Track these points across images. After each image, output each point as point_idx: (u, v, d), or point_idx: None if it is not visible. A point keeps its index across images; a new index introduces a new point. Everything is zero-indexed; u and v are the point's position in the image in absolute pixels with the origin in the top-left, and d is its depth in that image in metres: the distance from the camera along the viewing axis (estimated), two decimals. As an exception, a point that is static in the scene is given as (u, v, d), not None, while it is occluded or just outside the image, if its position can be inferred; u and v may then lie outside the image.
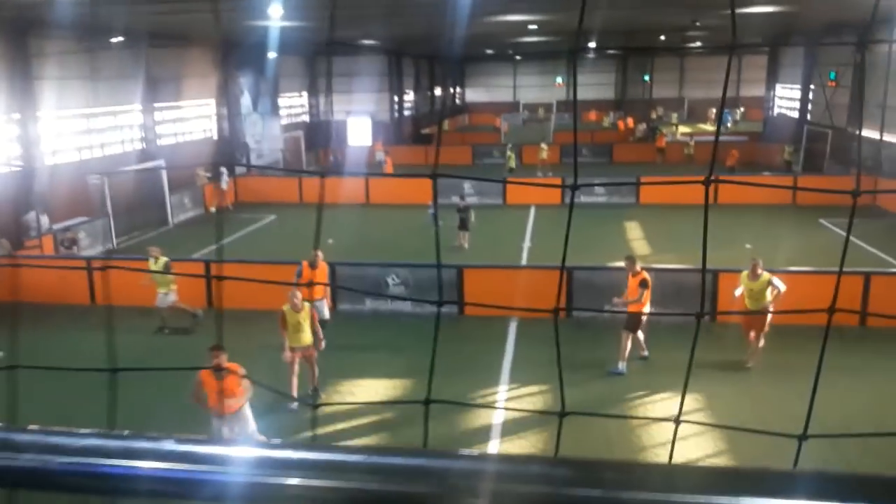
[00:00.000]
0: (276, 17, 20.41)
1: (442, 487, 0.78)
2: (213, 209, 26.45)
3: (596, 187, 28.27)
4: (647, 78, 60.54)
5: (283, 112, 40.24)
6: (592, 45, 45.42)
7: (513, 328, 13.68)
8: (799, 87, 37.34)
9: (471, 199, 27.12)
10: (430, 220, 23.41)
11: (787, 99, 41.59)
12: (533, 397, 10.81)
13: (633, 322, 11.81)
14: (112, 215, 21.17)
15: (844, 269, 14.28)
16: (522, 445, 9.44)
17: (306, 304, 10.64)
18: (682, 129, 49.93)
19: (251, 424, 8.81)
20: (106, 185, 21.01)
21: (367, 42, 37.22)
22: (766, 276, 11.54)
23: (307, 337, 10.48)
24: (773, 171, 32.64)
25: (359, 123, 42.77)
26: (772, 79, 43.87)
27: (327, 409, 10.54)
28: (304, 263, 12.50)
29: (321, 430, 9.94)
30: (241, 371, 8.45)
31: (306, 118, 45.21)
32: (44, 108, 21.95)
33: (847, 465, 8.90)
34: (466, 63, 73.00)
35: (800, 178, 27.20)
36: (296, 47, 39.28)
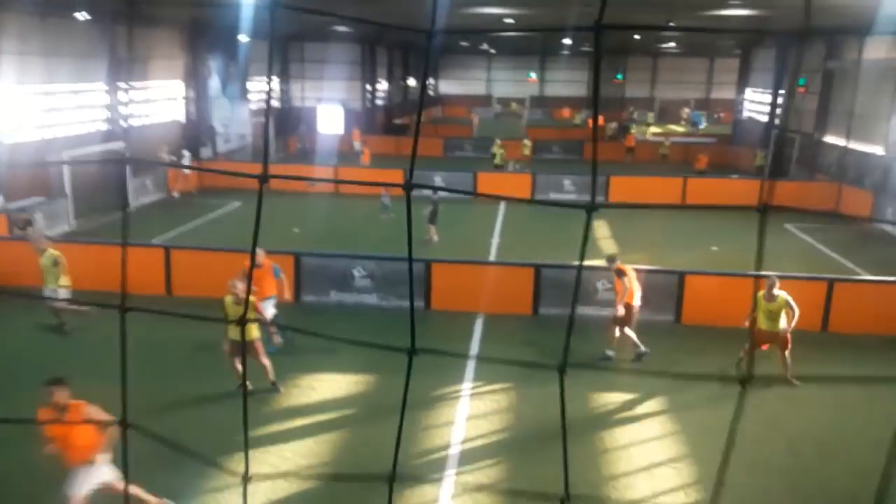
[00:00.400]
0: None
1: None
2: (175, 194, 25.86)
3: (564, 182, 28.14)
4: (620, 77, 60.81)
5: (252, 97, 39.54)
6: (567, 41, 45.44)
7: (479, 324, 13.54)
8: (769, 91, 37.73)
9: (441, 193, 26.97)
10: (382, 209, 23.21)
11: (757, 103, 42.03)
12: (496, 395, 10.68)
13: (629, 315, 11.81)
14: (72, 196, 20.54)
15: (809, 275, 14.40)
16: (484, 447, 9.31)
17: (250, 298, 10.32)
18: (652, 129, 50.20)
19: (110, 475, 7.16)
20: (66, 166, 20.36)
21: (340, 29, 36.72)
22: (782, 296, 11.03)
23: (249, 332, 10.13)
24: (742, 174, 32.95)
25: (330, 111, 42.21)
26: (743, 82, 44.32)
27: (288, 404, 10.29)
28: (247, 264, 11.99)
29: (281, 427, 9.68)
30: (93, 411, 6.79)
31: (276, 104, 44.52)
32: (2, 83, 21.19)
33: (805, 473, 8.93)
34: (441, 55, 72.62)
35: (765, 183, 27.47)
36: (268, 31, 38.58)
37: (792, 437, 9.66)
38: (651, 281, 14.07)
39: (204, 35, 31.92)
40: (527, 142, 36.31)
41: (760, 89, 40.78)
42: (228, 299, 10.18)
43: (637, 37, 45.95)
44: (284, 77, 45.30)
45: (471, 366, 11.65)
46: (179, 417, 9.82)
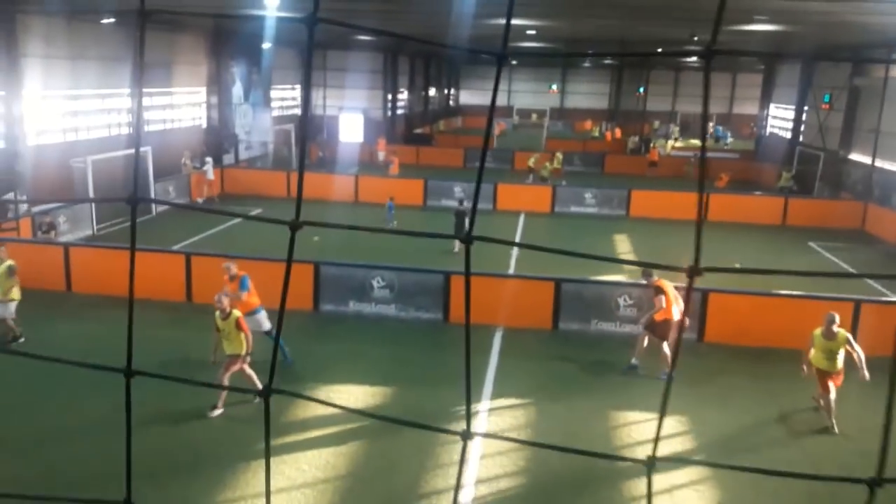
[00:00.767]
0: (270, 6, 19.97)
1: None
2: (199, 199, 26.00)
3: (585, 195, 27.99)
4: (641, 90, 60.56)
5: (274, 104, 39.79)
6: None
7: (498, 337, 13.42)
8: (793, 107, 37.38)
9: (467, 203, 26.92)
10: (388, 215, 23.22)
11: (780, 119, 41.66)
12: (515, 412, 10.54)
13: (660, 329, 11.80)
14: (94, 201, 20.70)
15: (835, 296, 14.16)
16: (502, 464, 9.17)
17: (234, 312, 10.07)
18: (671, 143, 49.81)
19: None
20: (89, 168, 20.53)
21: (362, 38, 36.87)
22: (842, 333, 10.15)
23: (231, 345, 10.03)
24: (764, 190, 32.61)
25: (351, 119, 42.36)
26: (766, 98, 43.96)
27: (305, 415, 10.22)
28: (225, 278, 11.53)
29: (297, 438, 9.61)
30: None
31: (298, 111, 44.76)
32: (29, 86, 21.44)
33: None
34: (462, 65, 72.76)
35: (790, 200, 27.13)
36: (291, 39, 38.88)
37: (816, 456, 9.44)
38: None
39: (228, 42, 32.20)
40: (559, 154, 36.05)
41: (784, 105, 40.43)
42: (217, 314, 10.08)
43: (659, 50, 45.75)
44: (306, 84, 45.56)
45: (490, 380, 11.53)
46: (197, 425, 9.79)
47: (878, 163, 27.86)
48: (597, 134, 56.59)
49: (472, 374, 11.54)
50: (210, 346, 10.39)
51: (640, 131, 52.50)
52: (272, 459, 8.97)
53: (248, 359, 10.19)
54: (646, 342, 11.91)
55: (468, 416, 1.47)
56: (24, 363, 10.72)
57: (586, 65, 65.86)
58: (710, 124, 65.17)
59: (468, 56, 64.46)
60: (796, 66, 37.64)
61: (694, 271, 1.18)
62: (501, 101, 73.71)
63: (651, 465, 1.22)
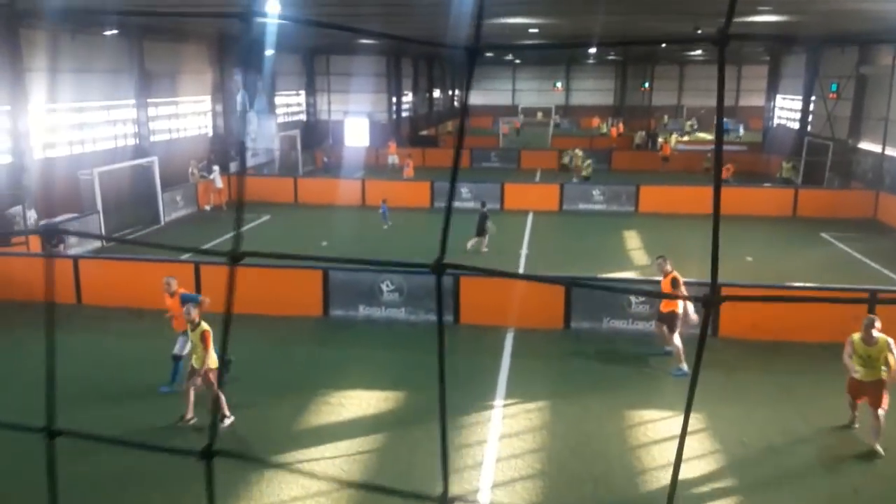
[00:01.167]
0: (273, 13, 19.99)
1: None
2: (206, 207, 26.02)
3: (593, 192, 27.86)
4: (646, 85, 60.30)
5: (279, 111, 39.84)
6: (592, 49, 45.22)
7: (510, 338, 13.32)
8: (800, 97, 37.10)
9: (468, 204, 26.83)
10: (382, 218, 23.26)
11: (787, 110, 41.37)
12: (530, 414, 10.44)
13: (672, 321, 11.88)
14: (103, 212, 20.72)
15: (850, 286, 14.00)
16: (518, 466, 9.08)
17: (202, 325, 9.81)
18: (675, 138, 49.48)
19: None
20: (97, 180, 20.56)
21: (365, 41, 36.84)
22: (883, 338, 9.15)
23: (200, 359, 9.82)
24: (773, 182, 32.37)
25: (356, 124, 42.36)
26: (772, 89, 43.67)
27: (318, 422, 10.16)
28: (166, 294, 11.08)
29: (311, 445, 9.54)
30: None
31: (303, 117, 44.81)
32: (35, 100, 21.50)
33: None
34: (466, 66, 72.59)
35: (800, 191, 26.92)
36: (294, 45, 38.93)
37: (837, 453, 9.31)
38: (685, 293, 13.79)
39: (231, 50, 32.23)
40: (578, 152, 35.83)
41: (791, 96, 40.15)
42: (189, 326, 10.00)
43: (663, 45, 45.54)
44: (310, 90, 45.60)
45: (502, 382, 11.44)
46: (202, 434, 9.74)
47: (889, 151, 27.60)
48: (604, 130, 56.36)
49: (486, 375, 11.49)
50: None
51: (647, 126, 52.27)
52: (287, 468, 8.92)
53: (212, 378, 9.80)
54: (680, 342, 11.90)
55: (445, 480, 1.39)
56: None
57: (590, 61, 65.64)
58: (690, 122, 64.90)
59: (470, 56, 64.17)
60: (802, 57, 37.36)
61: (709, 302, 1.12)
62: (506, 100, 73.63)
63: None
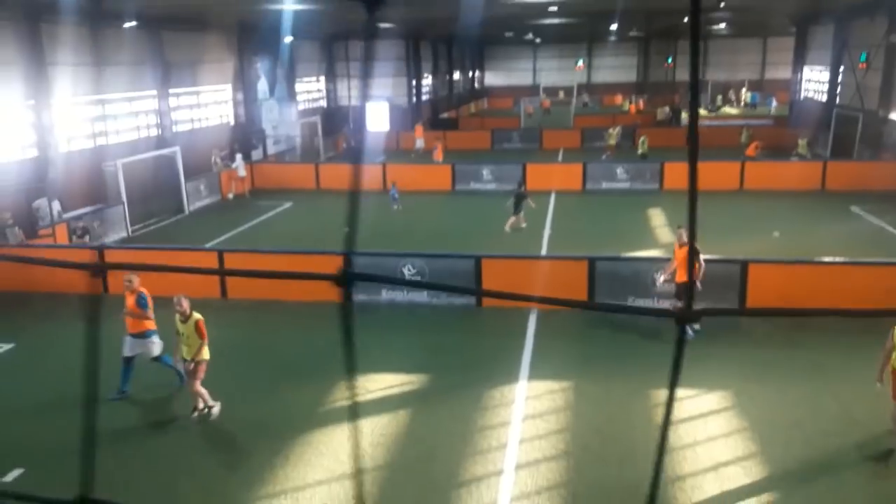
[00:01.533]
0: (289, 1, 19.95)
1: None
2: (230, 195, 26.19)
3: (617, 171, 27.60)
4: (669, 60, 59.40)
5: (300, 97, 39.88)
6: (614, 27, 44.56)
7: (532, 320, 13.24)
8: (828, 69, 36.24)
9: (489, 186, 26.71)
10: (392, 201, 23.38)
11: (815, 82, 40.48)
12: (553, 394, 10.38)
13: (682, 291, 11.94)
14: (127, 203, 20.94)
15: (882, 260, 13.70)
16: (541, 447, 9.03)
17: (195, 315, 9.59)
18: (702, 112, 48.76)
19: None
20: (120, 171, 20.76)
21: (384, 25, 36.65)
22: None
23: (191, 350, 9.62)
24: (801, 156, 31.72)
25: (376, 108, 42.29)
26: (799, 61, 42.72)
27: (342, 405, 10.19)
28: (126, 291, 10.40)
29: (335, 429, 9.57)
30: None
31: (323, 103, 44.82)
32: (58, 94, 21.72)
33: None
34: (485, 46, 72.14)
35: (829, 164, 26.35)
36: (313, 32, 38.86)
37: (868, 430, 9.12)
38: (712, 270, 13.57)
39: (251, 38, 32.28)
40: (611, 130, 35.39)
41: (819, 67, 39.25)
42: (176, 317, 9.70)
43: (686, 19, 44.75)
44: (330, 76, 45.56)
45: (525, 364, 11.38)
46: (235, 419, 9.83)
47: (921, 121, 26.88)
48: (625, 108, 55.72)
49: (509, 357, 11.45)
50: (174, 350, 9.95)
51: (671, 102, 51.54)
52: (312, 451, 8.96)
53: (201, 372, 9.70)
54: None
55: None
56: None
57: (612, 38, 64.72)
58: (744, 90, 63.75)
59: (491, 37, 63.74)
60: (829, 27, 36.44)
61: (683, 317, 1.01)
62: (527, 80, 72.99)
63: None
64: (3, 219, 17.01)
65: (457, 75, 62.72)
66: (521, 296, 1.16)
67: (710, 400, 10.08)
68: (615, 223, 21.13)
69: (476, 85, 72.17)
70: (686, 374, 10.74)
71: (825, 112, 34.93)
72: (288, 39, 35.11)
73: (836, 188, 24.68)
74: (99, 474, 8.32)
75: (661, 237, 19.53)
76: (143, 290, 10.28)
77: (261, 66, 33.84)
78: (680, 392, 10.33)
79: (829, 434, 9.13)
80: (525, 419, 9.69)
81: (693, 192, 1.01)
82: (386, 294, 14.43)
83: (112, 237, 20.09)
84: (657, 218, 21.80)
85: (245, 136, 31.79)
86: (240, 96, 32.77)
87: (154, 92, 26.89)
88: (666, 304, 13.45)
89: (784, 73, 52.64)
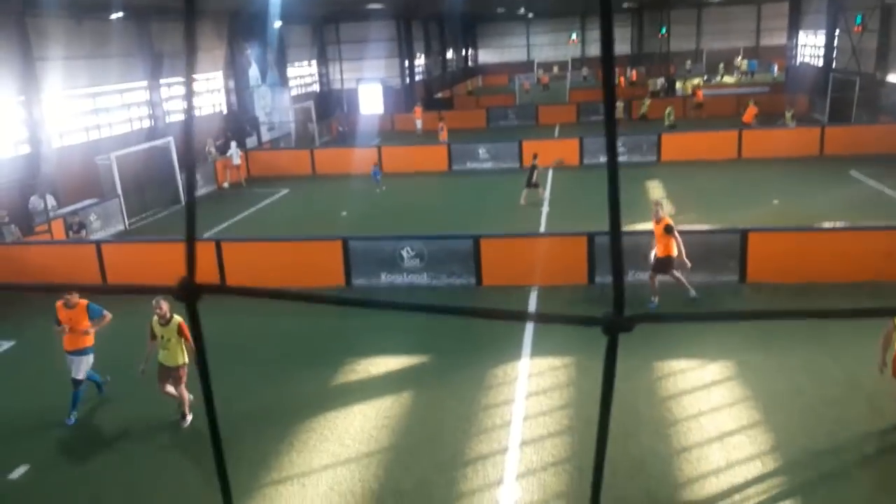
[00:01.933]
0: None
1: None
2: (225, 185, 26.08)
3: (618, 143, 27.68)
4: (663, 31, 58.89)
5: (292, 83, 39.60)
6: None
7: (534, 297, 13.22)
8: (824, 32, 35.91)
9: (486, 165, 26.58)
10: (374, 182, 23.48)
11: (810, 47, 40.16)
12: (556, 371, 10.36)
13: (660, 265, 12.15)
14: (123, 196, 20.85)
15: (882, 224, 13.63)
16: (545, 423, 9.03)
17: (176, 318, 9.10)
18: (695, 81, 48.29)
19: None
20: (114, 164, 20.65)
21: (373, 6, 36.31)
22: None
23: (170, 355, 9.14)
24: (798, 121, 31.52)
25: (370, 90, 42.02)
26: (794, 26, 42.35)
27: (346, 389, 10.19)
28: (59, 304, 9.58)
29: (339, 414, 9.57)
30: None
31: (316, 88, 44.53)
32: (48, 89, 21.56)
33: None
34: (478, 24, 71.54)
35: (826, 129, 26.18)
36: (303, 15, 38.53)
37: (872, 396, 9.10)
38: (712, 241, 13.53)
39: (241, 25, 32.00)
40: (617, 104, 35.00)
41: (814, 32, 38.91)
42: (154, 319, 9.17)
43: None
44: (321, 60, 45.23)
45: (528, 342, 11.35)
46: (237, 409, 9.82)
47: (918, 82, 26.68)
48: (623, 83, 55.22)
49: (511, 335, 11.42)
50: (144, 354, 9.35)
51: (667, 73, 51.16)
52: (316, 436, 8.96)
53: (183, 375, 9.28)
54: (656, 281, 12.31)
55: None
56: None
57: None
58: (740, 58, 63.25)
59: (483, 14, 63.23)
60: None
61: (612, 325, 0.92)
62: (521, 56, 72.47)
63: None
64: (-1, 217, 16.95)
65: (450, 54, 62.25)
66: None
67: (713, 370, 10.07)
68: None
69: (470, 63, 71.66)
70: (688, 347, 10.75)
71: (822, 77, 34.66)
72: (277, 24, 34.79)
73: (834, 153, 24.54)
74: (109, 475, 8.33)
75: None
76: (87, 302, 9.57)
77: (251, 53, 33.56)
78: (683, 364, 10.32)
79: (832, 401, 9.11)
80: (528, 396, 9.69)
81: (613, 168, 0.93)
82: (385, 277, 14.38)
83: (109, 231, 20.03)
84: (656, 190, 21.69)
85: (238, 124, 31.61)
86: (231, 84, 32.55)
87: (145, 83, 26.69)
88: (667, 278, 13.40)
89: (780, 39, 52.21)
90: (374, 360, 11.02)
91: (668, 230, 11.94)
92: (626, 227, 15.51)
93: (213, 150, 27.08)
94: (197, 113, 30.41)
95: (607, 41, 0.89)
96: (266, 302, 13.74)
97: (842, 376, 9.72)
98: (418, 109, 37.96)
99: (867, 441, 8.30)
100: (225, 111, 32.41)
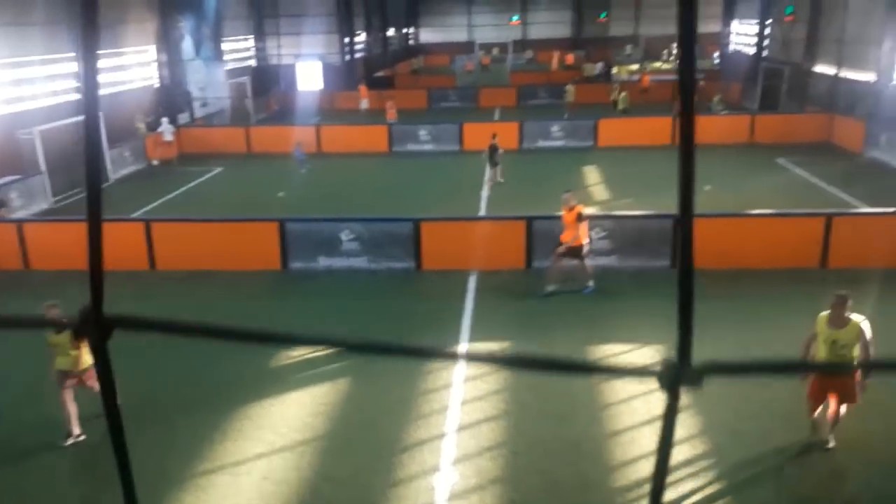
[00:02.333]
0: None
1: None
2: (155, 162, 25.24)
3: (552, 129, 27.49)
4: (603, 15, 59.50)
5: (227, 57, 38.48)
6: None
7: (472, 281, 13.24)
8: (756, 21, 36.89)
9: (427, 147, 26.45)
10: (297, 163, 23.23)
11: (743, 35, 41.21)
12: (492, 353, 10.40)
13: (572, 252, 12.30)
14: (48, 172, 19.94)
15: (806, 211, 14.13)
16: (482, 408, 9.08)
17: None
18: (632, 67, 49.02)
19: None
20: (38, 139, 19.73)
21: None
22: (855, 320, 7.42)
23: (67, 360, 8.33)
24: (728, 109, 32.38)
25: (308, 67, 41.21)
26: (728, 14, 43.36)
27: (281, 378, 10.03)
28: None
29: (274, 402, 9.41)
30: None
31: (253, 63, 43.40)
32: (-36, 57, 20.37)
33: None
34: (420, 2, 70.88)
35: (756, 117, 26.97)
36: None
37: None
38: (645, 226, 13.79)
39: (172, -5, 30.84)
40: (569, 87, 34.59)
41: (747, 20, 39.92)
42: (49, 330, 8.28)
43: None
44: (259, 34, 44.08)
45: (466, 326, 11.38)
46: (169, 395, 9.56)
47: (843, 73, 27.69)
48: (555, 65, 55.40)
49: (449, 319, 11.42)
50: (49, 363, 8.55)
51: (605, 58, 51.73)
52: (250, 424, 8.80)
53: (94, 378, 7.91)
54: (561, 263, 12.50)
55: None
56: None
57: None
58: (675, 45, 64.37)
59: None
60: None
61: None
62: (462, 37, 72.19)
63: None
64: None
65: (391, 32, 61.51)
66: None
67: (646, 354, 10.29)
68: (552, 181, 21.20)
69: (411, 42, 71.02)
70: (622, 329, 10.95)
71: (753, 65, 35.65)
72: (213, -3, 33.71)
73: (763, 141, 25.30)
74: (33, 487, 7.95)
75: (597, 194, 19.72)
76: None
77: (185, 25, 32.42)
78: (617, 348, 10.52)
79: (760, 383, 9.40)
80: (466, 380, 9.71)
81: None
82: (323, 261, 14.18)
83: (33, 209, 19.18)
84: (592, 175, 22.00)
85: (170, 99, 30.56)
86: (164, 57, 31.40)
87: (72, 54, 25.49)
88: (603, 262, 13.62)
89: (715, 26, 53.35)
90: (310, 346, 10.86)
91: (580, 218, 12.08)
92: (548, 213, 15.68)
93: (142, 125, 26.14)
94: (127, 87, 29.24)
95: (688, 25, 0.78)
96: (200, 284, 13.42)
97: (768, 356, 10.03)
98: (363, 88, 37.29)
99: (793, 423, 8.59)
100: (157, 85, 31.28)
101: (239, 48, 41.70)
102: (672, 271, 13.40)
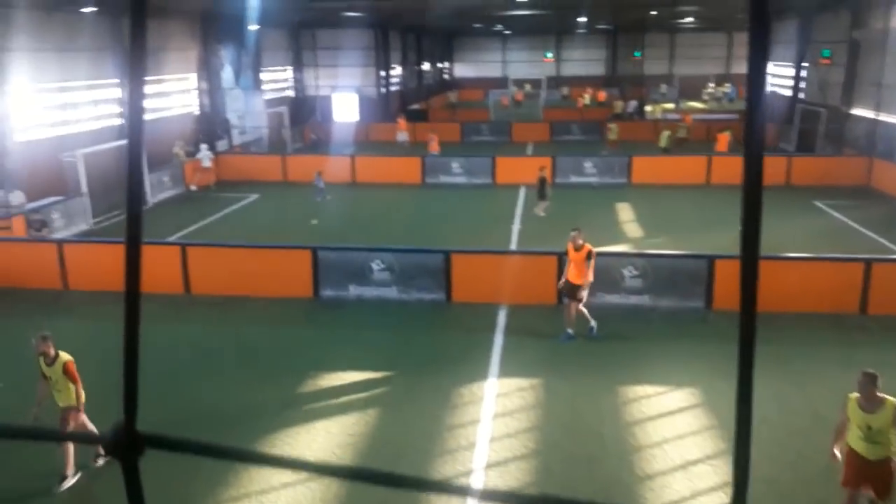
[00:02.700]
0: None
1: None
2: (193, 187, 25.68)
3: (585, 165, 27.47)
4: (638, 54, 59.73)
5: (266, 87, 39.27)
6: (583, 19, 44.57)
7: (502, 315, 13.17)
8: (792, 64, 36.74)
9: (459, 179, 26.58)
10: (317, 193, 23.30)
11: (779, 77, 41.03)
12: (523, 392, 10.32)
13: (571, 291, 11.98)
14: (89, 194, 20.39)
15: (845, 256, 13.88)
16: (512, 446, 8.97)
17: (62, 356, 8.18)
18: (666, 106, 48.99)
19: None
20: (81, 162, 20.21)
21: (351, 14, 36.21)
22: (891, 402, 6.59)
23: (62, 396, 8.20)
24: (766, 150, 32.07)
25: (345, 99, 41.85)
26: (764, 56, 43.21)
27: (309, 405, 10.02)
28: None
29: (301, 430, 9.40)
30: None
31: (291, 93, 44.22)
32: (14, 81, 21.04)
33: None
34: (455, 37, 71.87)
35: (793, 159, 26.71)
36: (279, 20, 38.28)
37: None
38: (679, 266, 13.64)
39: (215, 26, 31.66)
40: (611, 126, 34.31)
41: (783, 63, 39.78)
42: (40, 360, 8.25)
43: (654, 13, 45.03)
44: (297, 65, 44.96)
45: (496, 361, 11.30)
46: (192, 419, 9.60)
47: (882, 117, 27.37)
48: (588, 101, 55.55)
49: (478, 353, 11.36)
50: (35, 397, 8.39)
51: (640, 96, 51.75)
52: (277, 452, 8.78)
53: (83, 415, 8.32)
54: (575, 311, 12.03)
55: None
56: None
57: (581, 31, 64.90)
58: (712, 85, 64.31)
59: (461, 28, 63.48)
60: (794, 22, 36.93)
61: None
62: (496, 72, 72.89)
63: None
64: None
65: (426, 66, 62.35)
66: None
67: (678, 397, 10.11)
68: (585, 217, 21.12)
69: (445, 76, 71.87)
70: (653, 373, 10.80)
71: (789, 107, 35.39)
72: (253, 27, 34.52)
73: (800, 183, 25.00)
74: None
75: (629, 232, 19.60)
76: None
77: (225, 55, 33.21)
78: (648, 389, 10.35)
79: (796, 431, 9.19)
80: (495, 417, 9.62)
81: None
82: (354, 290, 14.23)
83: (74, 230, 19.58)
84: (625, 212, 21.88)
85: (210, 126, 31.20)
86: (204, 85, 32.13)
87: (116, 80, 26.21)
88: (635, 301, 13.49)
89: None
90: (339, 375, 10.87)
91: (590, 257, 11.84)
92: (597, 248, 15.62)
93: (180, 151, 26.66)
94: (167, 114, 29.95)
95: (756, 67, 0.74)
96: (231, 310, 13.51)
97: (806, 407, 9.82)
98: (402, 121, 37.42)
99: (830, 474, 8.36)
100: (197, 112, 31.97)
101: (277, 78, 42.55)
102: (707, 312, 13.22)
